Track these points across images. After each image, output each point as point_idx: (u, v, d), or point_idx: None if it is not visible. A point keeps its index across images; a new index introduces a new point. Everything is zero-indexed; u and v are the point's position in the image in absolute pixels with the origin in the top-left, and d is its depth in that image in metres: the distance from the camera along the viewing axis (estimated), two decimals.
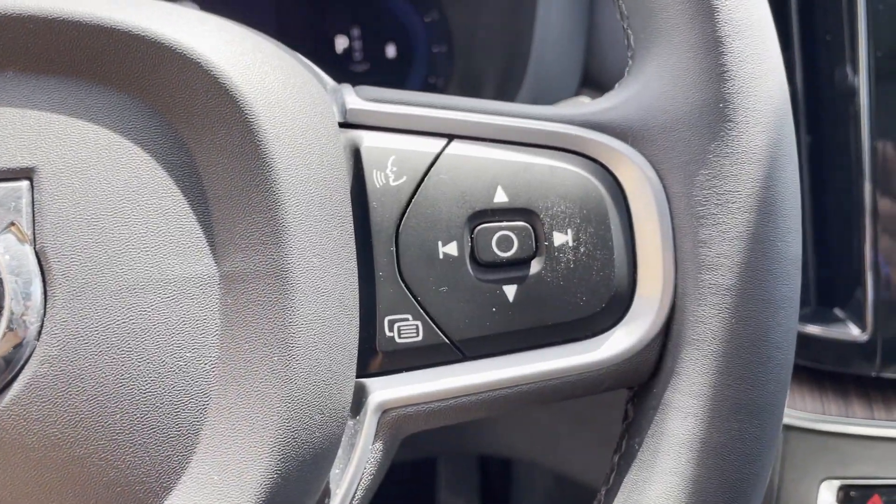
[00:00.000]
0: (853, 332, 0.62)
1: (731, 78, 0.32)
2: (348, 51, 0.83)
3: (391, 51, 0.83)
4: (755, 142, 0.32)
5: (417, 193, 0.32)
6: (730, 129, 0.32)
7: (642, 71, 0.34)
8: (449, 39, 0.82)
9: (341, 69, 0.84)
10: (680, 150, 0.33)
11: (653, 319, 0.33)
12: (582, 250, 0.33)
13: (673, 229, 0.33)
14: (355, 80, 0.83)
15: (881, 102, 0.60)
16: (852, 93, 0.60)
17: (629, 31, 0.36)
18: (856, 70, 0.60)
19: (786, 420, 0.64)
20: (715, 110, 0.32)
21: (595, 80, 0.68)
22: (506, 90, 0.72)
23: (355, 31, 0.83)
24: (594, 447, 0.77)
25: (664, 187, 0.33)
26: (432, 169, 0.32)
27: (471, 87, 0.81)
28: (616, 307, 0.33)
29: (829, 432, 0.64)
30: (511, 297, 0.32)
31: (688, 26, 0.33)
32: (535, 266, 0.33)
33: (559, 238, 0.33)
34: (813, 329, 0.63)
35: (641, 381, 0.34)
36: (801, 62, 0.64)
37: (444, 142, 0.33)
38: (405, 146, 0.33)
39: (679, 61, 0.33)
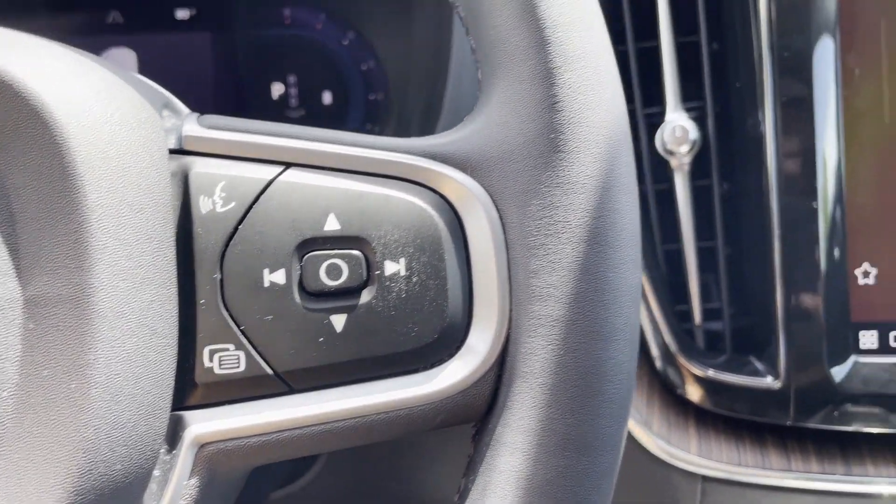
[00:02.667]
0: (767, 381, 0.61)
1: (562, 109, 0.32)
2: (284, 97, 0.84)
3: (327, 97, 0.84)
4: (586, 172, 0.32)
5: (245, 220, 0.32)
6: (561, 160, 0.32)
7: (486, 103, 0.34)
8: (385, 87, 0.83)
9: (277, 115, 0.85)
10: (515, 181, 0.33)
11: (487, 352, 0.32)
12: (414, 280, 0.32)
13: (508, 260, 0.33)
14: None
15: (787, 151, 0.60)
16: (760, 141, 0.61)
17: (478, 64, 0.36)
18: (763, 118, 0.61)
19: (702, 470, 0.62)
20: (547, 141, 0.32)
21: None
22: (427, 129, 0.72)
23: (291, 79, 0.84)
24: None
25: (500, 218, 0.33)
26: (262, 196, 0.32)
27: (404, 132, 0.82)
28: (450, 339, 0.32)
29: (745, 483, 0.62)
30: (339, 327, 0.31)
31: (523, 58, 0.33)
32: (366, 296, 0.32)
33: (391, 267, 0.32)
34: (728, 377, 0.62)
35: (477, 416, 0.33)
36: (712, 109, 0.64)
37: (278, 169, 0.33)
38: (237, 172, 0.32)
39: (516, 93, 0.33)
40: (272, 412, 0.31)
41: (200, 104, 0.85)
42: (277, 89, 0.84)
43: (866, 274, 0.61)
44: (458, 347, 0.32)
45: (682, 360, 0.62)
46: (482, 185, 0.33)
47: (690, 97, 0.65)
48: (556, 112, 0.32)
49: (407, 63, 0.82)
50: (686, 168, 0.64)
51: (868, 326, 0.61)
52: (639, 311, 0.34)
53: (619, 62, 0.66)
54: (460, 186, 0.33)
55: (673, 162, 0.64)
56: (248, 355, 0.31)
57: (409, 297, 0.32)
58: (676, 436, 0.63)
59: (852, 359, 0.60)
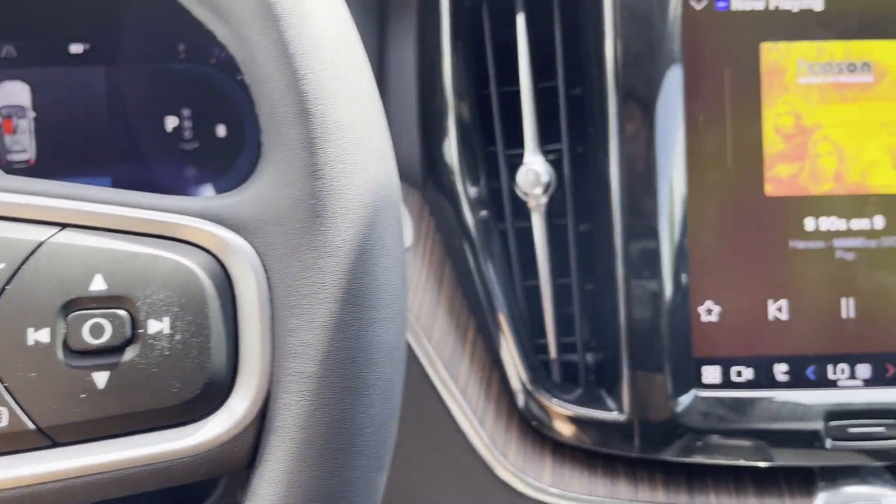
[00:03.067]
0: (614, 414, 0.63)
1: (322, 177, 0.34)
2: (178, 129, 0.86)
3: (221, 131, 0.85)
4: (342, 236, 0.34)
5: (12, 280, 0.33)
6: (319, 224, 0.34)
7: (263, 166, 0.36)
8: None
9: (171, 147, 0.86)
10: (281, 243, 0.34)
11: (247, 407, 0.34)
12: (178, 338, 0.34)
13: (272, 319, 0.34)
14: (185, 158, 0.85)
15: (631, 194, 0.63)
16: (608, 183, 0.63)
17: (260, 127, 0.38)
18: (609, 162, 0.63)
19: (554, 500, 0.64)
20: (307, 206, 0.34)
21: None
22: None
23: (185, 112, 0.85)
24: None
25: (268, 278, 0.35)
26: (32, 257, 0.33)
27: None
28: (213, 395, 0.34)
29: None
30: (102, 383, 0.33)
31: (291, 126, 0.35)
32: (129, 353, 0.34)
33: (155, 326, 0.34)
34: (578, 410, 0.64)
35: (240, 467, 0.35)
36: (568, 152, 0.67)
37: (51, 230, 0.34)
38: (6, 234, 0.34)
39: (286, 159, 0.35)
40: (33, 465, 0.32)
41: (95, 137, 0.86)
42: (171, 122, 0.86)
43: (709, 311, 0.64)
44: (221, 403, 0.34)
45: (535, 394, 0.65)
46: (253, 245, 0.35)
47: (557, 139, 0.68)
48: (316, 179, 0.34)
49: None
50: (542, 208, 0.66)
51: (710, 362, 0.63)
52: (398, 367, 0.36)
53: (485, 105, 0.69)
54: (231, 247, 0.35)
55: (530, 202, 0.66)
56: (11, 411, 0.32)
57: (172, 354, 0.34)
58: (532, 466, 0.65)
59: (693, 393, 0.62)
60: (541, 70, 0.68)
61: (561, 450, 0.66)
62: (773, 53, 0.64)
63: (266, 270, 0.35)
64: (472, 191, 0.68)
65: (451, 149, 0.66)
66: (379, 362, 0.34)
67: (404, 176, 0.71)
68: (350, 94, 0.35)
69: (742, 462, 0.62)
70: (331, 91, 0.35)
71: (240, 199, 0.36)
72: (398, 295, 0.35)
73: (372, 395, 0.33)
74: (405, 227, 0.53)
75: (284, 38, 0.35)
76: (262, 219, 0.35)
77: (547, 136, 0.68)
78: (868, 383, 0.63)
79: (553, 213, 0.67)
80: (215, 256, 0.35)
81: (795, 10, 0.65)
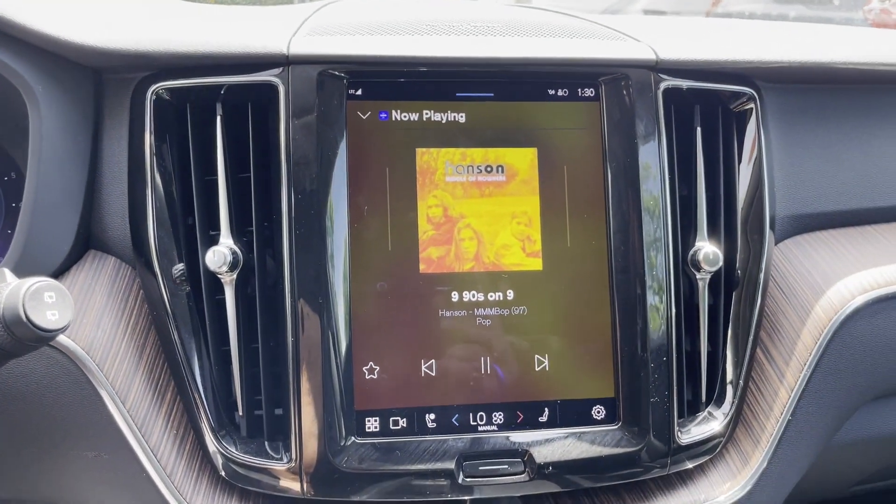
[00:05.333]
0: (284, 462, 0.73)
1: None
2: None
3: None
4: None
5: None
6: None
7: None
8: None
9: None
10: None
11: None
12: None
13: None
14: None
15: (302, 272, 0.74)
16: (282, 265, 0.74)
17: None
18: (283, 246, 0.74)
19: None
20: None
21: (99, 240, 0.79)
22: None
23: None
24: None
25: None
26: None
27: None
28: None
29: None
30: None
31: None
32: None
33: None
34: (256, 460, 0.74)
35: None
36: (257, 235, 0.77)
37: None
38: None
39: None
40: None
41: None
42: None
43: (371, 370, 0.76)
44: None
45: (221, 447, 0.74)
46: None
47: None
48: None
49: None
50: (233, 283, 0.76)
51: (371, 414, 0.75)
52: None
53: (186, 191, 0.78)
54: None
55: (223, 279, 0.76)
56: None
57: None
58: None
59: (353, 440, 0.74)
60: (242, 162, 0.79)
61: (247, 496, 0.76)
62: (426, 156, 0.79)
63: None
64: (177, 268, 0.77)
65: (150, 234, 0.75)
66: None
67: (120, 255, 0.79)
68: None
69: (394, 499, 0.74)
70: None
71: None
72: None
73: None
74: (66, 308, 0.60)
75: None
76: None
77: (249, 220, 0.79)
78: (501, 428, 0.77)
79: (251, 285, 0.78)
80: None
81: (444, 121, 0.79)
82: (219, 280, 0.77)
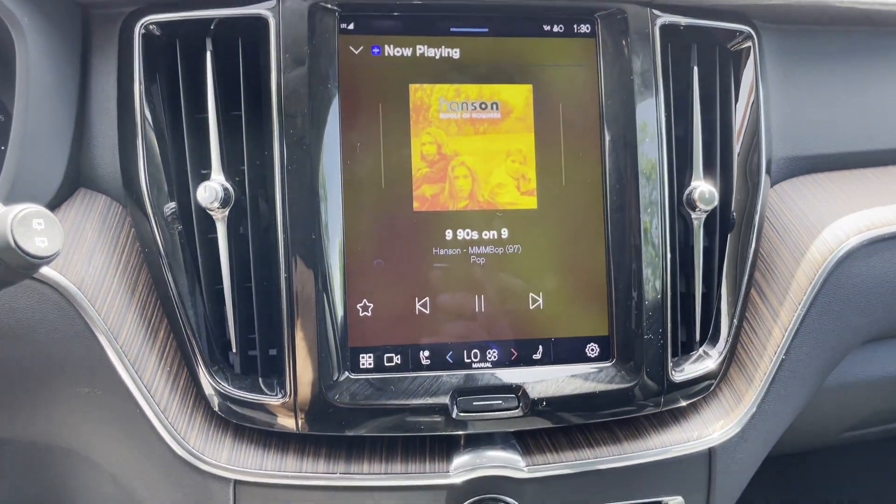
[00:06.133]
0: (279, 397, 0.73)
1: None
2: None
3: None
4: None
5: None
6: None
7: None
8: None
9: None
10: None
11: None
12: None
13: None
14: None
15: (294, 211, 0.73)
16: (274, 203, 0.74)
17: None
18: (275, 183, 0.74)
19: (231, 475, 0.74)
20: None
21: (89, 178, 0.78)
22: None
23: None
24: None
25: None
26: None
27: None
28: None
29: (268, 484, 0.74)
30: None
31: None
32: None
33: None
34: (251, 396, 0.74)
35: None
36: (248, 172, 0.77)
37: None
38: None
39: None
40: None
41: None
42: None
43: (364, 308, 0.75)
44: None
45: (216, 384, 0.74)
46: None
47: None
48: None
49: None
50: (224, 220, 0.75)
51: (365, 351, 0.75)
52: None
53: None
54: None
55: (215, 216, 0.75)
56: None
57: None
58: (212, 447, 0.74)
59: (346, 376, 0.74)
60: (233, 101, 0.78)
61: (241, 432, 0.76)
62: (419, 93, 0.77)
63: None
64: (169, 206, 0.76)
65: (140, 172, 0.74)
66: None
67: (111, 193, 0.78)
68: None
69: (388, 434, 0.74)
70: None
71: None
72: None
73: None
74: (55, 235, 0.59)
75: None
76: None
77: (240, 159, 0.78)
78: (495, 365, 0.77)
79: (243, 226, 0.78)
80: None
81: (437, 57, 0.78)
82: (211, 219, 0.76)
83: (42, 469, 0.87)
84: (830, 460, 1.49)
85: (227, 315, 0.76)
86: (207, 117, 0.76)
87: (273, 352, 0.76)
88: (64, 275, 0.72)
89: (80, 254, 0.73)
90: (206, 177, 0.76)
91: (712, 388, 0.82)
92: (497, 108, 0.79)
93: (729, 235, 0.85)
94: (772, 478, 1.51)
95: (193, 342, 0.74)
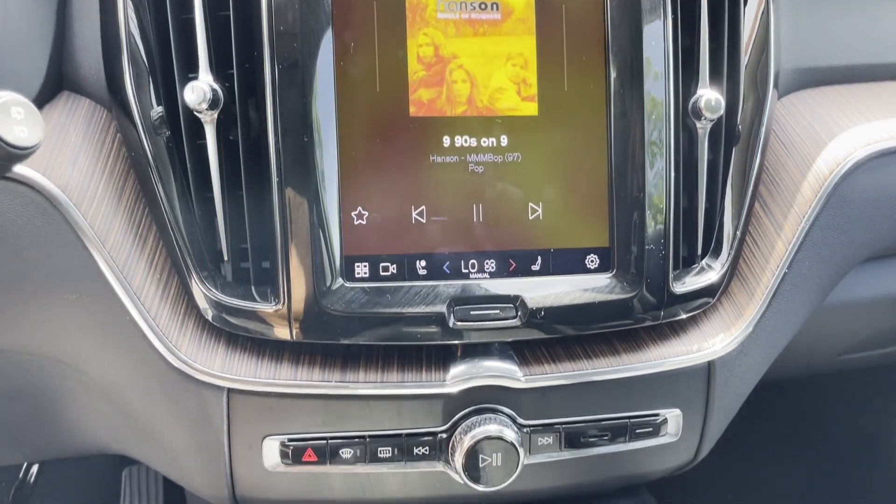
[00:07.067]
0: (273, 305, 0.72)
1: None
2: None
3: None
4: None
5: None
6: None
7: None
8: None
9: None
10: None
11: None
12: None
13: None
14: None
15: (286, 114, 0.70)
16: (265, 106, 0.71)
17: None
18: (265, 85, 0.71)
19: (225, 383, 0.73)
20: None
21: (72, 81, 0.75)
22: None
23: None
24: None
25: None
26: None
27: None
28: None
29: (261, 392, 0.73)
30: None
31: None
32: None
33: None
34: (244, 303, 0.72)
35: None
36: (238, 75, 0.73)
37: None
38: None
39: None
40: None
41: None
42: None
43: (359, 216, 0.73)
44: None
45: (207, 291, 0.72)
46: None
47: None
48: None
49: None
50: (213, 123, 0.73)
51: (360, 259, 0.73)
52: None
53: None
54: None
55: (203, 118, 0.73)
56: None
57: None
58: (204, 355, 0.73)
59: (341, 284, 0.72)
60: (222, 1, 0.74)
61: (235, 340, 0.74)
62: None
63: None
64: (156, 111, 0.73)
65: (125, 74, 0.71)
66: None
67: (95, 97, 0.76)
68: None
69: (383, 342, 0.73)
70: None
71: None
72: None
73: None
74: (35, 125, 0.57)
75: None
76: None
77: (229, 62, 0.74)
78: (493, 276, 0.76)
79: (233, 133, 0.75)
80: None
81: None
82: (200, 124, 0.73)
83: (34, 383, 0.86)
84: (830, 385, 1.49)
85: (218, 223, 0.73)
86: (194, 17, 0.73)
87: (266, 264, 0.74)
88: (48, 177, 0.69)
89: (63, 157, 0.71)
90: (194, 79, 0.73)
91: (713, 301, 0.80)
92: (497, 9, 0.75)
93: (734, 148, 0.83)
94: (769, 405, 1.52)
95: (184, 249, 0.72)
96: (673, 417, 0.82)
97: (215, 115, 0.72)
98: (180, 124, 0.73)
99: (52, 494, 1.69)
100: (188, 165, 0.73)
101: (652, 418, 0.81)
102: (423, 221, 0.74)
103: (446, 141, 0.75)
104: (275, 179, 0.71)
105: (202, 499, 1.28)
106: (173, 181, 0.73)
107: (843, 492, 1.51)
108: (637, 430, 0.81)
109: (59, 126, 0.73)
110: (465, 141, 0.75)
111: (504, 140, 0.75)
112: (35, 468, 1.72)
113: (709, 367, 0.81)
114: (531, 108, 0.76)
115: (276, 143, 0.70)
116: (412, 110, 0.74)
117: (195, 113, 0.72)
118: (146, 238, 0.73)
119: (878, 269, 0.97)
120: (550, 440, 0.79)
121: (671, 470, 0.88)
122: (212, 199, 0.74)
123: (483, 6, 0.75)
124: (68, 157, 0.71)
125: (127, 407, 0.80)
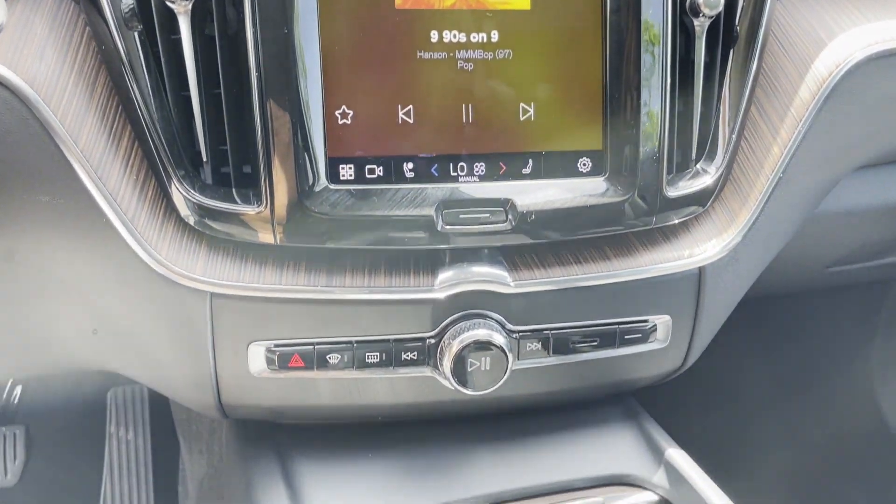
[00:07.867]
0: (255, 207, 0.69)
1: None
2: None
3: None
4: None
5: None
6: None
7: None
8: None
9: None
10: None
11: None
12: None
13: None
14: None
15: (264, 6, 0.67)
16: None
17: None
18: None
19: (208, 287, 0.71)
20: None
21: None
22: None
23: None
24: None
25: None
26: None
27: None
28: None
29: (245, 296, 0.72)
30: None
31: None
32: None
33: None
34: (225, 205, 0.70)
35: None
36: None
37: None
38: None
39: None
40: None
41: None
42: None
43: (344, 115, 0.70)
44: None
45: (187, 193, 0.69)
46: None
47: None
48: None
49: None
50: (188, 14, 0.68)
51: (345, 161, 0.71)
52: None
53: None
54: None
55: (177, 9, 0.68)
56: None
57: None
58: (185, 259, 0.71)
59: (326, 186, 0.70)
60: None
61: (216, 244, 0.72)
62: None
63: None
64: (126, 2, 0.69)
65: None
66: None
67: None
68: None
69: (369, 246, 0.71)
70: None
71: None
72: None
73: None
74: None
75: None
76: None
77: None
78: (483, 179, 0.73)
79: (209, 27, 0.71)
80: None
81: None
82: (174, 18, 0.69)
83: (17, 289, 0.83)
84: (816, 302, 1.50)
85: (196, 123, 0.70)
86: None
87: (247, 169, 0.71)
88: (14, 71, 0.65)
89: (29, 49, 0.67)
90: None
91: (707, 205, 0.79)
92: None
93: (731, 52, 0.80)
94: (756, 320, 1.53)
95: (161, 149, 0.69)
96: (662, 324, 0.82)
97: (189, 6, 0.68)
98: (153, 16, 0.69)
99: (38, 415, 1.69)
100: (162, 61, 0.70)
101: (641, 324, 0.81)
102: (410, 122, 0.72)
103: (434, 36, 0.71)
104: (254, 75, 0.67)
105: (187, 416, 1.29)
106: (147, 78, 0.69)
107: (809, 401, 1.54)
108: (626, 336, 0.80)
109: (22, 20, 0.68)
110: (454, 36, 0.71)
111: (495, 35, 0.72)
112: (18, 389, 1.72)
113: (699, 273, 0.80)
114: (523, 2, 0.72)
115: (255, 35, 0.67)
116: (398, 2, 0.70)
117: (168, 3, 0.68)
118: (120, 137, 0.70)
119: (869, 178, 0.95)
120: (539, 345, 0.78)
121: (659, 377, 0.88)
122: (188, 97, 0.70)
123: None
124: (34, 50, 0.67)
125: (109, 315, 0.79)
